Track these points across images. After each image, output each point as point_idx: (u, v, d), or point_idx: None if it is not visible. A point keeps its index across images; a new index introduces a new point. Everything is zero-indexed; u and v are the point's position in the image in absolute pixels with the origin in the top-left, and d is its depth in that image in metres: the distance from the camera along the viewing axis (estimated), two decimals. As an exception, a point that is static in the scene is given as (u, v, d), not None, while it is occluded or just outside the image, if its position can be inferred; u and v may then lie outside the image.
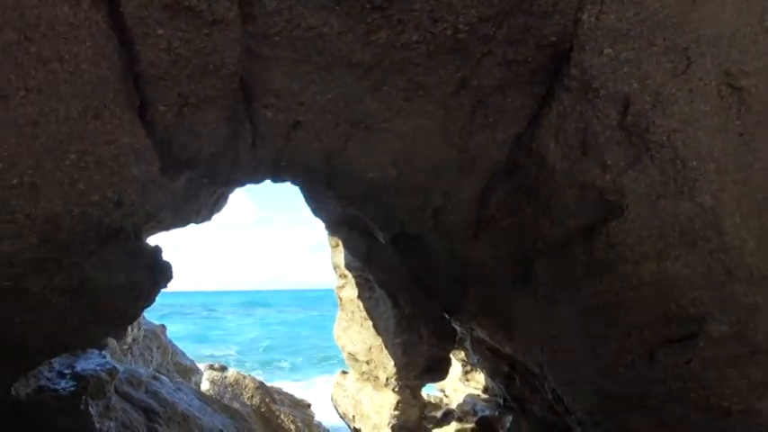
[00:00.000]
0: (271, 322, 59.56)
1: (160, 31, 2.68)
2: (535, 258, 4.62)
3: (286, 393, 8.00)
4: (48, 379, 4.88)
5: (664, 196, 3.47)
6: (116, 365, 5.44)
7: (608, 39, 3.38)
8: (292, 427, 6.96)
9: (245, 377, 7.58)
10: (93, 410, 4.83)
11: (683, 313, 3.80)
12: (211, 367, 7.39)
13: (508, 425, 6.97)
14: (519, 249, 4.79)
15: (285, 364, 33.67)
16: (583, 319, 4.44)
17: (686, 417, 4.24)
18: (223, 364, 8.27)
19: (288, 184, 4.75)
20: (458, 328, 6.89)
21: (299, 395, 8.68)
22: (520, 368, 6.69)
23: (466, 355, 8.09)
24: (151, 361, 9.20)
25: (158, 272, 3.79)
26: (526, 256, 4.75)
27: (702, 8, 3.38)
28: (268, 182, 4.69)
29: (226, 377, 7.40)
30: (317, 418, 8.44)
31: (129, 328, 7.98)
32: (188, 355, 10.26)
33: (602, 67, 3.42)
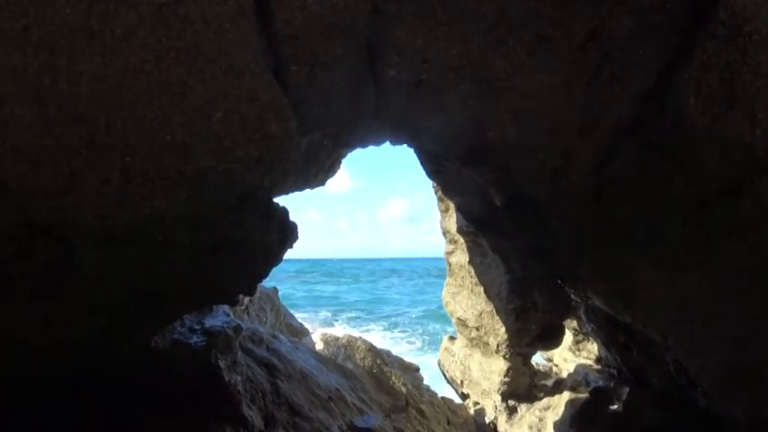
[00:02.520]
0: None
1: (295, -11, 2.71)
2: (665, 221, 4.37)
3: (395, 356, 8.13)
4: (180, 333, 5.21)
5: (825, 150, 3.16)
6: (240, 323, 5.73)
7: (764, -25, 3.08)
8: (403, 389, 7.08)
9: (356, 339, 7.77)
10: (222, 364, 5.12)
11: (839, 279, 3.49)
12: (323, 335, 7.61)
13: (624, 396, 6.74)
14: (645, 212, 4.55)
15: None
16: (717, 285, 4.19)
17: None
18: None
19: (382, 156, 4.74)
20: (572, 295, 6.71)
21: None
22: (638, 338, 6.44)
23: (578, 323, 7.88)
24: (266, 322, 9.63)
25: (287, 232, 3.91)
26: (653, 219, 4.52)
27: None
28: (361, 151, 4.70)
29: (338, 338, 7.62)
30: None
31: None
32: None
33: (756, 8, 3.12)
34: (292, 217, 4.27)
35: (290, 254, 4.55)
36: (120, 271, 3.07)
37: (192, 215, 2.89)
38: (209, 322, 5.41)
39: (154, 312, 3.74)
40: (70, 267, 3.03)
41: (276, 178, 3.26)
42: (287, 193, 5.12)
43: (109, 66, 2.34)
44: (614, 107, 4.19)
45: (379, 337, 30.05)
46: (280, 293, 10.41)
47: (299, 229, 4.42)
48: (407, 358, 8.67)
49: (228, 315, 5.77)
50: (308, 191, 5.33)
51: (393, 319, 38.30)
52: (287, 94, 3.02)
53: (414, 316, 38.67)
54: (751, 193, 3.50)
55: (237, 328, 5.53)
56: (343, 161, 5.50)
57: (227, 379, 5.05)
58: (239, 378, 5.23)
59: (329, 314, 38.87)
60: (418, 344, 29.58)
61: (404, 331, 33.82)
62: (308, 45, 2.90)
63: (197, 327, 5.34)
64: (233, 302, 4.47)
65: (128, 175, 2.56)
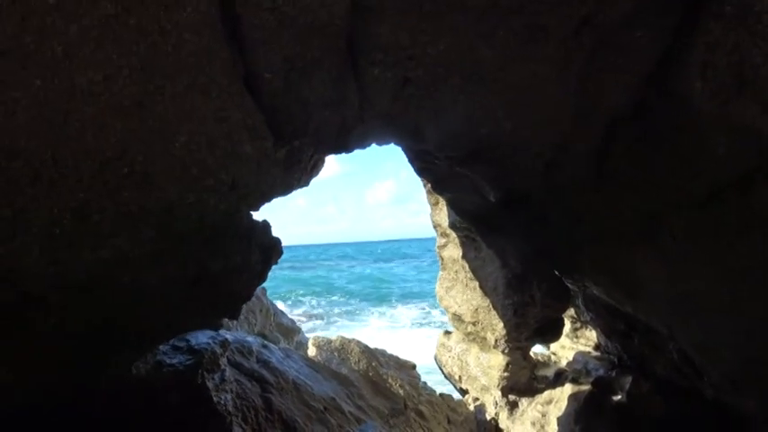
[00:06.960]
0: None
1: (263, -12, 2.39)
2: (670, 214, 4.15)
3: (390, 355, 7.91)
4: (164, 354, 4.91)
5: None
6: (227, 337, 5.44)
7: (775, -49, 2.82)
8: (401, 391, 6.86)
9: (350, 341, 7.53)
10: (210, 384, 4.83)
11: None
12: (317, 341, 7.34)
13: (627, 386, 6.57)
14: (647, 203, 4.33)
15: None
16: (728, 280, 3.97)
17: None
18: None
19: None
20: (569, 285, 6.52)
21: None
22: (639, 327, 6.28)
23: (576, 312, 7.70)
24: (255, 324, 9.36)
25: (271, 249, 3.62)
26: (656, 211, 4.29)
27: None
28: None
29: (331, 342, 7.37)
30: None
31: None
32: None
33: (767, -14, 2.86)
34: (279, 208, 3.98)
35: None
36: (87, 311, 2.76)
37: (161, 251, 2.57)
38: (195, 339, 5.12)
39: (131, 344, 3.45)
40: (33, 308, 2.73)
41: (254, 201, 2.96)
42: (269, 200, 4.84)
43: (50, 90, 2.01)
44: (611, 94, 3.94)
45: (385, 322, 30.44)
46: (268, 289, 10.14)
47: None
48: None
49: (216, 329, 5.48)
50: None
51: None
52: (260, 106, 2.70)
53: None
54: (764, 184, 3.25)
55: (225, 343, 5.24)
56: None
57: (215, 399, 4.77)
58: (229, 396, 4.95)
59: (321, 309, 38.64)
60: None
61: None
62: (281, 50, 2.58)
63: (181, 344, 5.05)
64: (217, 327, 4.19)
65: (82, 213, 2.23)
